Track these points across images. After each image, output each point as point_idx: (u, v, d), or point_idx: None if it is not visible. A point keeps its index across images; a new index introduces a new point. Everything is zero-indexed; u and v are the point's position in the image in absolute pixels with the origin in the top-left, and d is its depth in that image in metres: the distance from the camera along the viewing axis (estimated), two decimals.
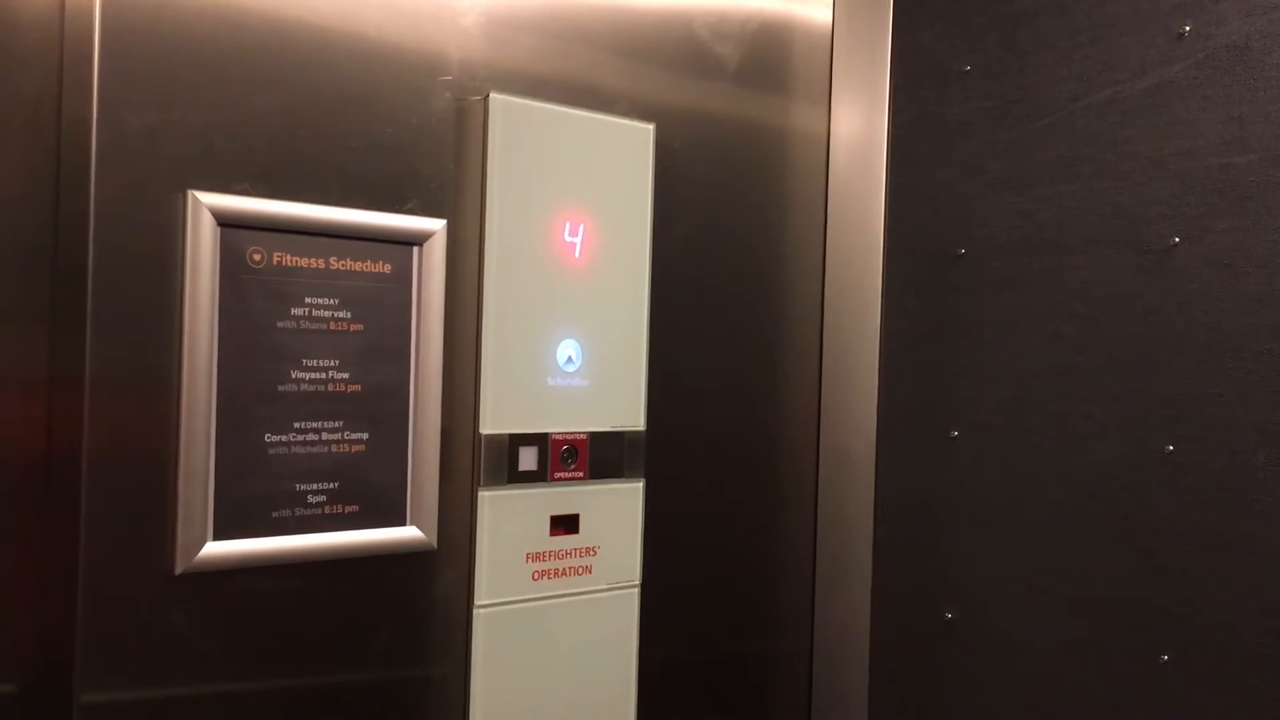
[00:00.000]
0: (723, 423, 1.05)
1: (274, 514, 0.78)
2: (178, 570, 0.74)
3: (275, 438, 0.78)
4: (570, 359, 0.90)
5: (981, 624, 1.04)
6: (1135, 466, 0.93)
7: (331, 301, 0.80)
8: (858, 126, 1.07)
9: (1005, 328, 1.03)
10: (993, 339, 1.04)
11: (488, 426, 0.86)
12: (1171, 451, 0.91)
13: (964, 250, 1.07)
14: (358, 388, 0.82)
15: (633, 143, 0.93)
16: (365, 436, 0.82)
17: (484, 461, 0.86)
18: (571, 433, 0.91)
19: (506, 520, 0.87)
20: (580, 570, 0.92)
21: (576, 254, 0.91)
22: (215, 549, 0.75)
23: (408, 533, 0.84)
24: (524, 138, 0.87)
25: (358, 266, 0.81)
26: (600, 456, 0.92)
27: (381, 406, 0.83)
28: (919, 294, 1.09)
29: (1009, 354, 1.03)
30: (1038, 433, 1.00)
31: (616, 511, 0.94)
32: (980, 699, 1.04)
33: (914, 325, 1.09)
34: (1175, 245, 0.91)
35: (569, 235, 0.90)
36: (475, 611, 0.86)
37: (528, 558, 0.89)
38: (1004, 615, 1.02)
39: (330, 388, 0.80)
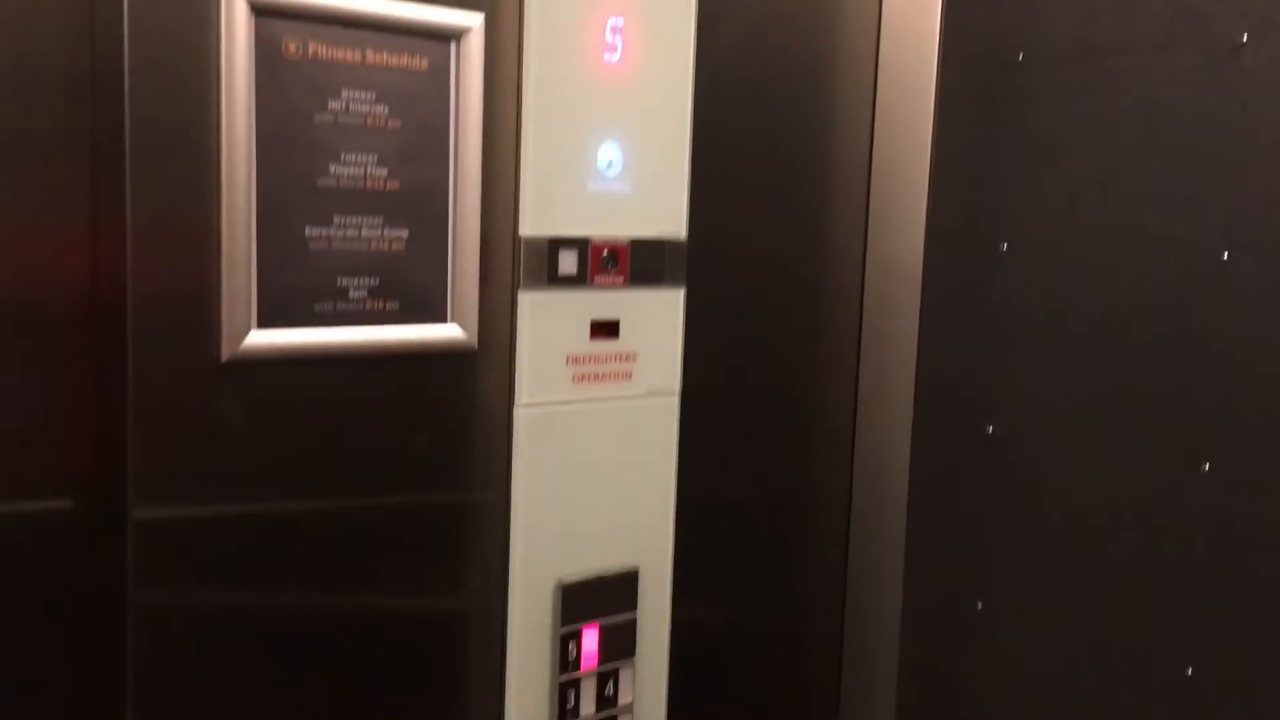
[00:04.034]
0: (766, 236, 1.04)
1: (316, 307, 0.79)
2: (224, 357, 0.76)
3: (315, 231, 0.78)
4: (611, 163, 0.89)
5: (1025, 438, 1.04)
6: (1190, 275, 0.91)
7: (368, 96, 0.80)
8: None
9: (1061, 136, 1.00)
10: (1048, 148, 1.01)
11: (527, 229, 0.86)
12: (1228, 259, 0.88)
13: (1022, 56, 1.03)
14: (396, 185, 0.81)
15: None
16: (405, 234, 0.82)
17: (524, 263, 0.86)
18: (612, 238, 0.90)
19: (547, 323, 0.88)
20: (620, 375, 0.92)
21: (618, 54, 0.88)
22: (259, 338, 0.76)
23: (449, 331, 0.85)
24: None
25: (394, 61, 0.80)
26: (641, 263, 0.92)
27: (420, 205, 0.83)
28: (973, 103, 1.06)
29: (1064, 163, 1.00)
30: (1091, 243, 0.98)
31: (656, 319, 0.94)
32: (1021, 512, 1.05)
33: (967, 136, 1.06)
34: (1243, 44, 0.87)
35: (611, 34, 0.88)
36: (516, 411, 0.87)
37: (568, 360, 0.89)
38: (1048, 429, 1.02)
39: (368, 184, 0.80)
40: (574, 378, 0.90)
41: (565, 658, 0.90)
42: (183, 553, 0.77)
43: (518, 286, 0.86)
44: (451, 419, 0.87)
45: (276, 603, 0.81)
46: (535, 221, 0.86)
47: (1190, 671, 0.94)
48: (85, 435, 0.76)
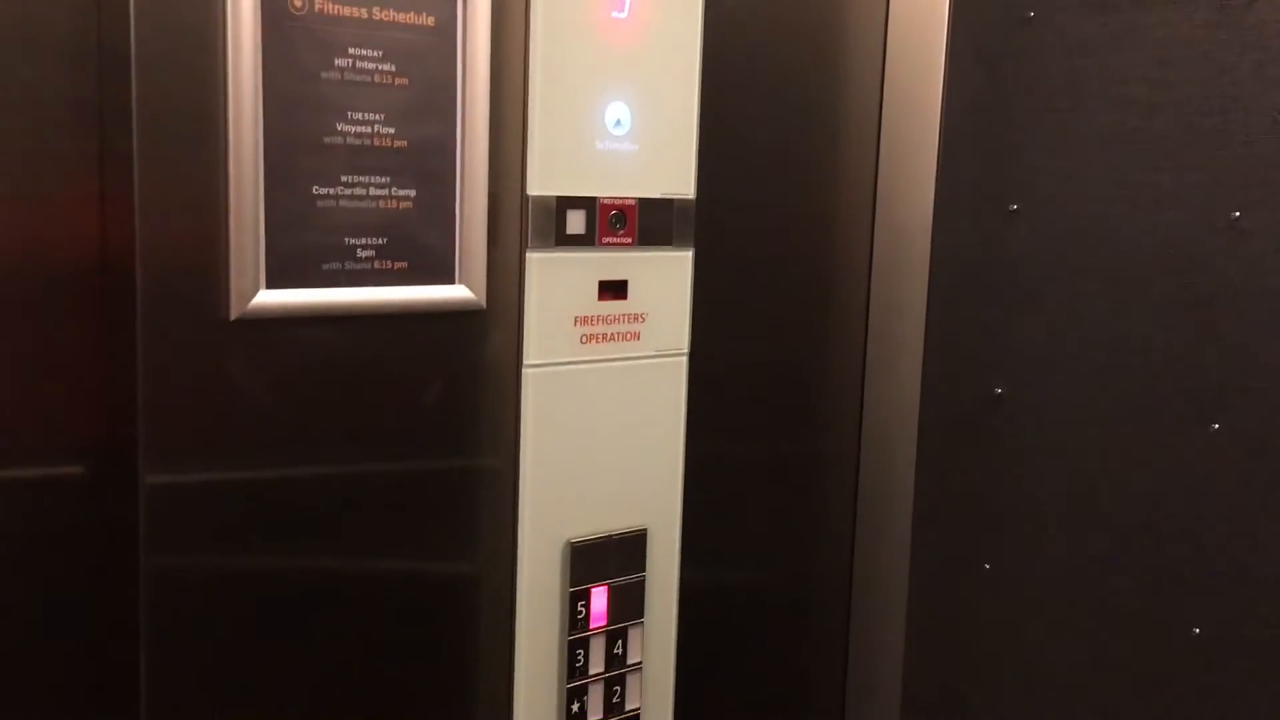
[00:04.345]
0: (775, 197, 1.03)
1: (324, 266, 0.79)
2: (233, 316, 0.75)
3: (322, 190, 0.78)
4: (619, 121, 0.89)
5: (1033, 399, 1.04)
6: (1200, 234, 0.91)
7: (375, 53, 0.79)
8: None
9: (1073, 94, 0.99)
10: (1060, 107, 1.00)
11: (535, 188, 0.86)
12: (1238, 217, 0.88)
13: (1033, 13, 1.02)
14: (403, 143, 0.81)
15: None
16: (412, 194, 0.82)
17: (531, 223, 0.86)
18: (620, 198, 0.90)
19: (555, 283, 0.88)
20: (628, 336, 0.92)
21: (626, 11, 0.88)
22: (268, 297, 0.76)
23: (457, 291, 0.84)
24: None
25: (401, 18, 0.80)
26: (649, 223, 0.92)
27: (428, 164, 0.82)
28: (984, 62, 1.05)
29: (1076, 122, 0.99)
30: (1102, 202, 0.97)
31: (665, 279, 0.94)
32: (1029, 473, 1.05)
33: (977, 95, 1.05)
34: None
35: None
36: (525, 371, 0.87)
37: (576, 321, 0.89)
38: (1056, 390, 1.02)
39: (376, 142, 0.80)
40: (582, 338, 0.90)
41: (574, 617, 0.91)
42: (194, 517, 0.77)
43: (526, 246, 0.86)
44: (460, 380, 0.87)
45: (287, 566, 0.81)
46: (543, 181, 0.86)
47: (1198, 631, 0.94)
48: (96, 399, 0.76)
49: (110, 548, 0.77)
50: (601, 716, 0.93)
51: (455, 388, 0.86)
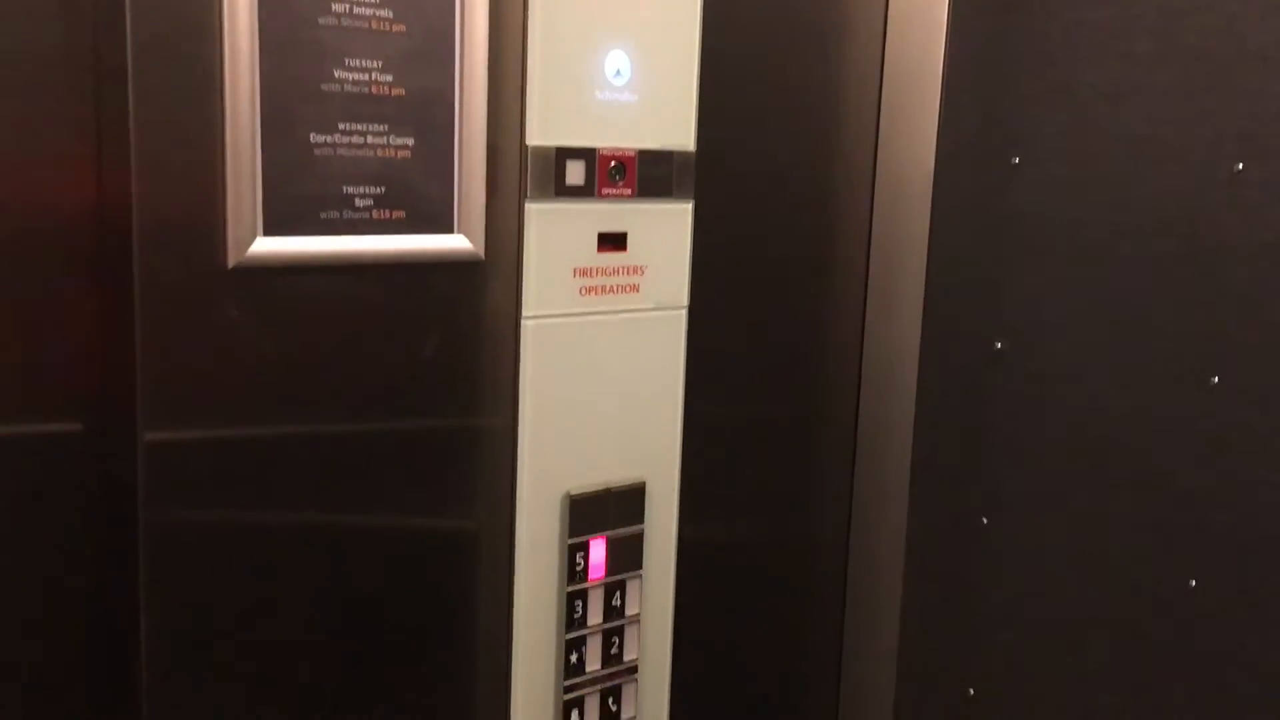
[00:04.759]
0: (776, 151, 1.03)
1: (322, 215, 0.78)
2: (230, 264, 0.75)
3: (320, 138, 0.78)
4: (619, 71, 0.88)
5: (1033, 353, 1.04)
6: (1202, 187, 0.90)
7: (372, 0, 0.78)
8: None
9: (1076, 47, 0.98)
10: (1062, 59, 0.99)
11: (534, 138, 0.85)
12: (1241, 170, 0.87)
13: None
14: (401, 91, 0.80)
15: None
16: (410, 143, 0.81)
17: (530, 173, 0.85)
18: (620, 149, 0.89)
19: (554, 234, 0.87)
20: (628, 289, 0.92)
21: None
22: (265, 245, 0.76)
23: (455, 241, 0.84)
24: None
25: None
26: (649, 175, 0.91)
27: (426, 113, 0.82)
28: (986, 13, 1.04)
29: (1078, 75, 0.98)
30: (1104, 156, 0.97)
31: (664, 232, 0.93)
32: (1028, 427, 1.05)
33: (979, 47, 1.04)
34: None
35: None
36: (524, 323, 0.87)
37: (575, 273, 0.89)
38: (1057, 343, 1.02)
39: (373, 90, 0.79)
40: (581, 290, 0.89)
41: (573, 569, 0.91)
42: (192, 473, 0.77)
43: (524, 197, 0.85)
44: (458, 331, 0.86)
45: (285, 521, 0.81)
46: (542, 131, 0.85)
47: (1193, 583, 0.95)
48: (95, 355, 0.76)
49: (110, 504, 0.77)
50: (600, 667, 0.94)
51: (454, 339, 0.86)
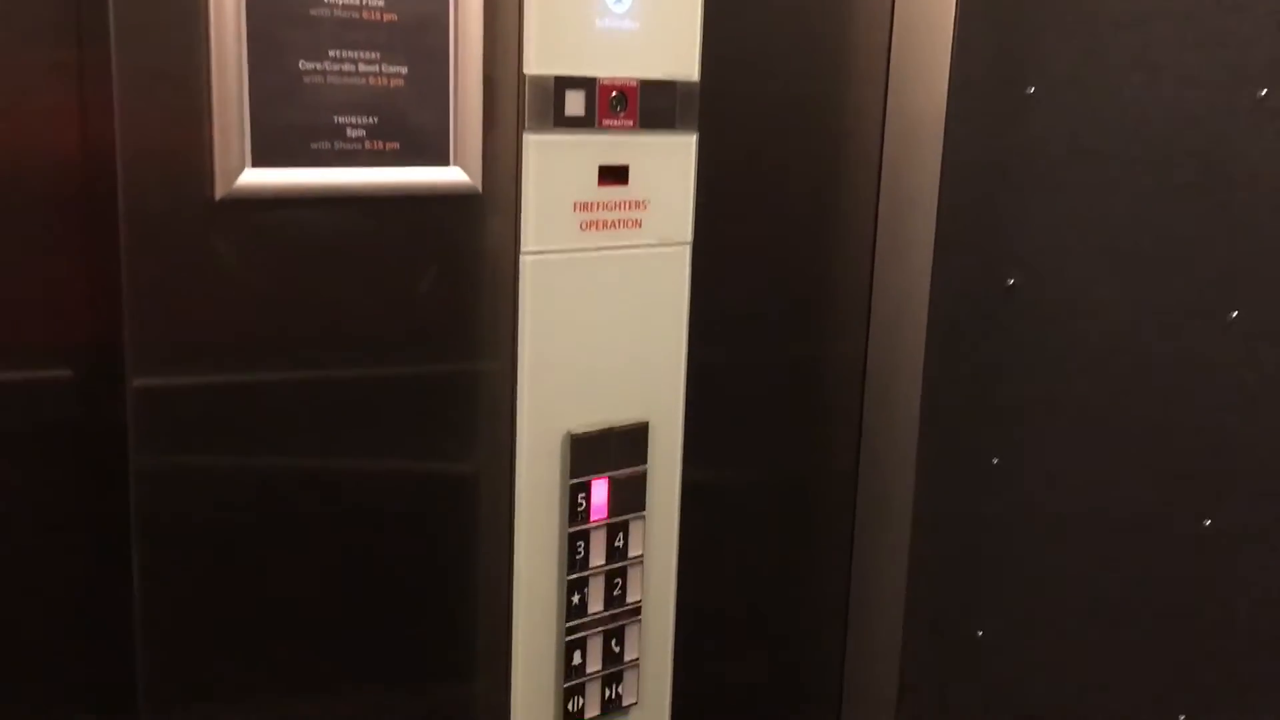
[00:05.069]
0: (783, 81, 1.00)
1: (312, 145, 0.76)
2: (218, 195, 0.73)
3: (309, 65, 0.75)
4: None
5: (1047, 288, 1.01)
6: (1223, 115, 0.87)
7: None
8: None
9: None
10: None
11: (532, 67, 0.82)
12: (1264, 96, 0.84)
13: None
14: (393, 17, 0.78)
15: None
16: (404, 71, 0.79)
17: (529, 103, 0.82)
18: (621, 78, 0.86)
19: (553, 167, 0.85)
20: (629, 224, 0.90)
21: None
22: (254, 176, 0.74)
23: (451, 174, 0.82)
24: None
25: None
26: (651, 106, 0.88)
27: (420, 40, 0.79)
28: None
29: (1095, 2, 0.95)
30: (1120, 85, 0.94)
31: (667, 165, 0.91)
32: (1041, 364, 1.03)
33: None
34: None
35: None
36: (522, 258, 0.85)
37: (575, 207, 0.86)
38: (1072, 278, 0.99)
39: (364, 15, 0.76)
40: (581, 225, 0.87)
41: (574, 509, 0.89)
42: (183, 418, 0.75)
43: (523, 128, 0.83)
44: (455, 267, 0.84)
45: (279, 466, 0.80)
46: (540, 60, 0.82)
47: (1208, 523, 0.93)
48: (85, 300, 0.74)
49: (102, 450, 0.75)
50: (603, 608, 0.93)
51: (451, 276, 0.84)
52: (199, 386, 0.76)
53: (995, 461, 1.07)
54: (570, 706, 0.92)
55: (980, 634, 1.11)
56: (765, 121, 0.99)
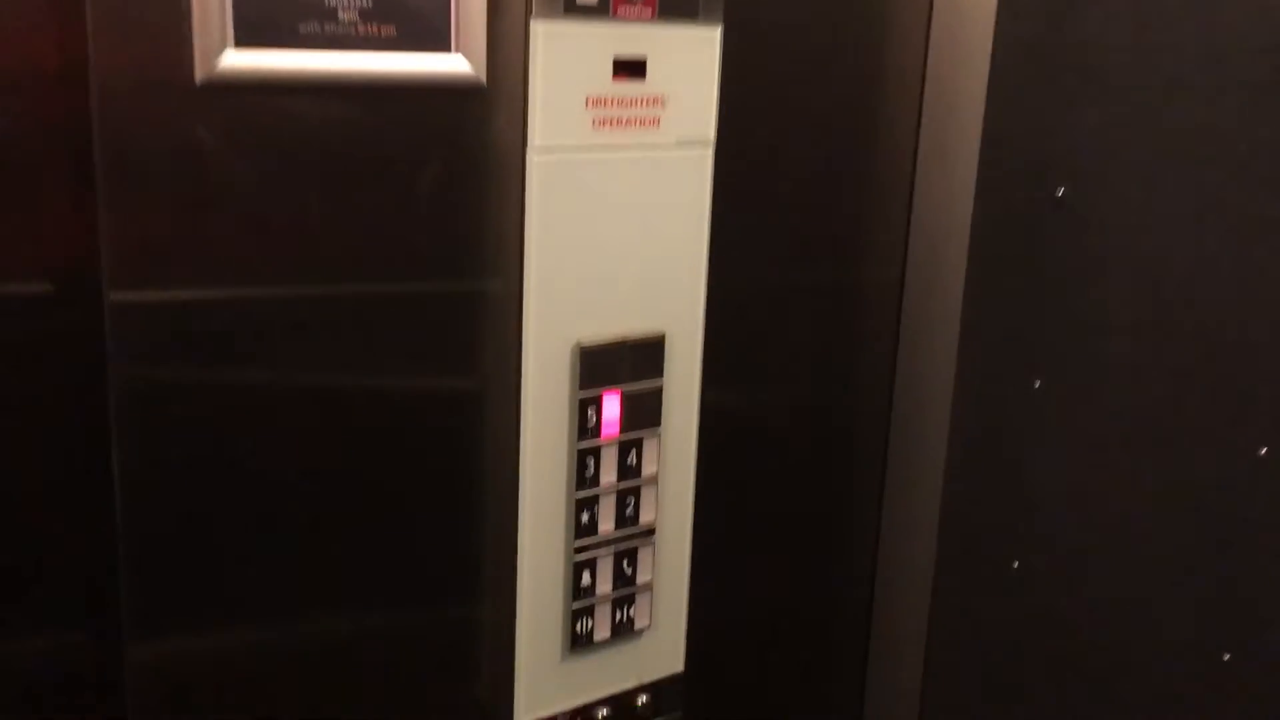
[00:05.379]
0: None
1: (300, 27, 0.71)
2: (198, 79, 0.68)
3: None
4: None
5: (1099, 200, 0.94)
6: None
7: None
8: None
9: None
10: None
11: None
12: None
13: None
14: None
15: None
16: None
17: None
18: None
19: (563, 58, 0.79)
20: (647, 122, 0.84)
21: None
22: (236, 58, 0.69)
23: (453, 62, 0.76)
24: None
25: None
26: None
27: None
28: None
29: None
30: None
31: (688, 59, 0.84)
32: (1089, 282, 0.96)
33: None
34: None
35: None
36: (530, 156, 0.79)
37: (588, 102, 0.81)
38: (1124, 190, 0.92)
39: None
40: (594, 122, 0.81)
41: (584, 424, 0.85)
42: (164, 332, 0.71)
43: (530, 15, 0.77)
44: (457, 164, 0.79)
45: (268, 382, 0.76)
46: None
47: (1264, 451, 0.87)
48: (61, 213, 0.70)
49: (82, 368, 0.71)
50: (613, 528, 0.89)
51: (453, 173, 0.79)
52: (179, 301, 0.72)
53: (1038, 385, 1.01)
54: (579, 628, 0.89)
55: (1015, 565, 1.06)
56: (798, 14, 0.93)
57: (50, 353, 0.71)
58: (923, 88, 0.99)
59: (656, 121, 0.84)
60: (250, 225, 0.73)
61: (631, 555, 0.90)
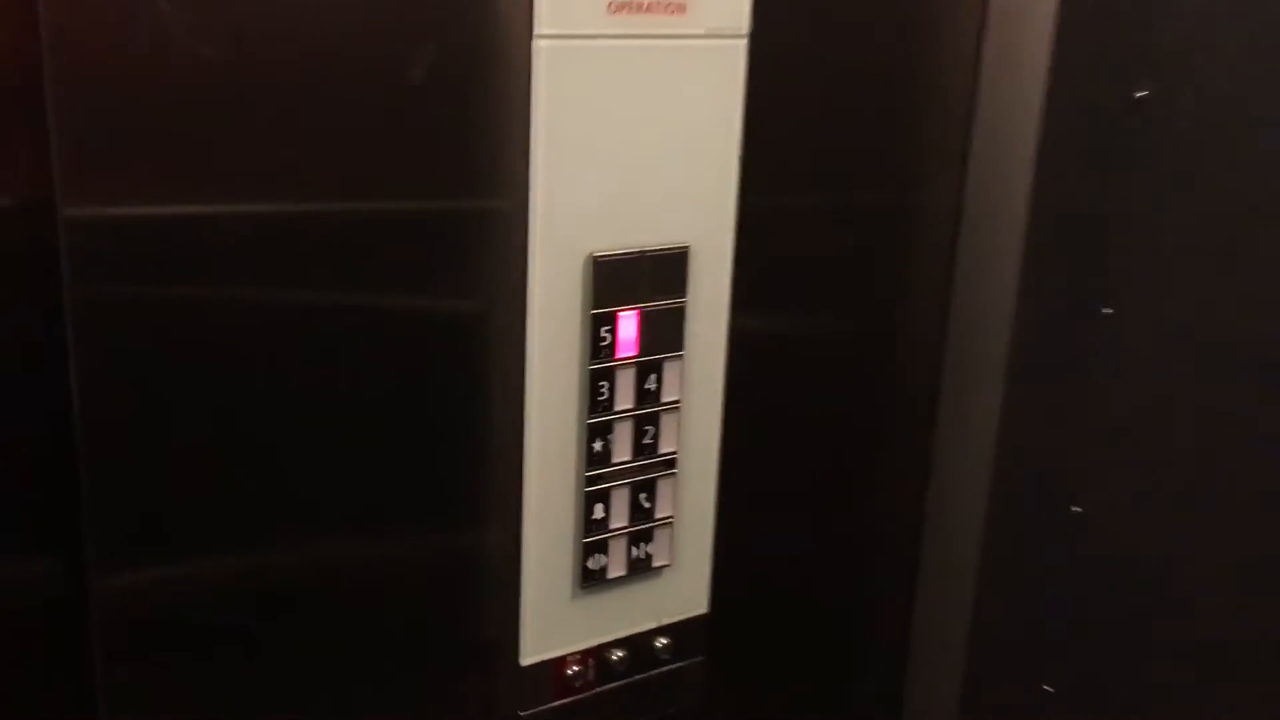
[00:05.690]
0: None
1: None
2: None
3: None
4: None
5: (1182, 100, 0.84)
6: None
7: None
8: None
9: None
10: None
11: None
12: None
13: None
14: None
15: None
16: None
17: None
18: None
19: None
20: (671, 9, 0.75)
21: None
22: None
23: None
24: None
25: None
26: None
27: None
28: None
29: None
30: None
31: None
32: (1174, 191, 0.86)
33: None
34: None
35: None
36: (536, 44, 0.71)
37: None
38: (1216, 86, 0.81)
39: None
40: (610, 7, 0.73)
41: (597, 343, 0.78)
42: (123, 249, 0.64)
43: None
44: (456, 50, 0.71)
45: (243, 300, 0.69)
46: None
47: None
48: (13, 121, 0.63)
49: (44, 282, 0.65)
50: (630, 457, 0.82)
51: (450, 61, 0.71)
52: (139, 217, 0.65)
53: (1106, 312, 0.91)
54: (590, 563, 0.82)
55: (1076, 509, 0.97)
56: None
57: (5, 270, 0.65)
58: None
59: (683, 8, 0.75)
60: (222, 134, 0.65)
61: (650, 487, 0.83)
